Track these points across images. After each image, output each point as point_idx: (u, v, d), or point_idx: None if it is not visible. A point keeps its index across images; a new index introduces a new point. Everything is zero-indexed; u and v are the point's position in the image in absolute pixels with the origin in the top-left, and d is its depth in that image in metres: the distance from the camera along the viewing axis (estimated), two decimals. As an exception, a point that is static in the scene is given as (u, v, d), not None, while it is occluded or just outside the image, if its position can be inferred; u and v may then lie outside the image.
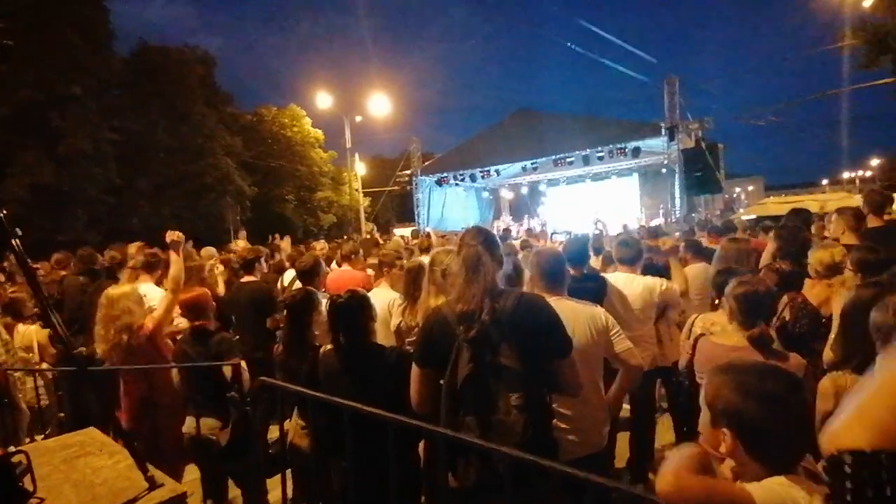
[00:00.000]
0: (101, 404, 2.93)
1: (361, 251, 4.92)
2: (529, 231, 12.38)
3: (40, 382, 3.72)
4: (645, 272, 3.36)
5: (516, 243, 7.01)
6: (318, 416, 2.10)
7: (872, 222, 3.38)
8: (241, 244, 8.17)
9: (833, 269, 2.49)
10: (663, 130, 12.94)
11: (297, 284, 3.85)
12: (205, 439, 2.59)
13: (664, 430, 3.61)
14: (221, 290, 4.60)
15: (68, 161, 18.53)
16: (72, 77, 18.73)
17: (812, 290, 2.54)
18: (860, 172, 47.22)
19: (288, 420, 2.55)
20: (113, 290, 3.02)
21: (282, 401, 2.16)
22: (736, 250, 3.25)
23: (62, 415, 3.79)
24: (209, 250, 6.34)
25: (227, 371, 2.49)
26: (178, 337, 3.03)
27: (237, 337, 4.01)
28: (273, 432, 3.38)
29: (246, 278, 4.20)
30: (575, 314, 2.00)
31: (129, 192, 21.08)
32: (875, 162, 44.57)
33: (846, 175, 50.60)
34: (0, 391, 3.29)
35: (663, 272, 3.54)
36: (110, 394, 3.05)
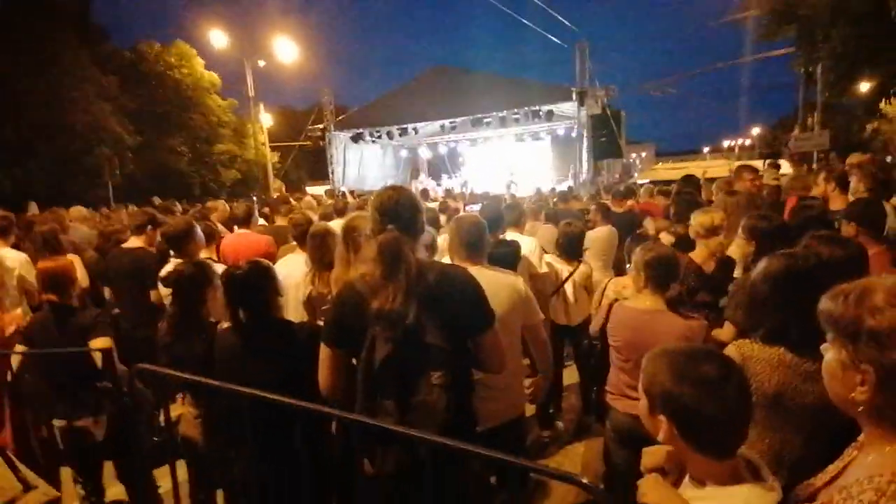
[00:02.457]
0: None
1: (256, 212, 4.47)
2: (448, 192, 12.34)
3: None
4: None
5: (434, 205, 6.92)
6: (215, 404, 1.86)
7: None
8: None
9: (712, 231, 2.75)
10: (574, 95, 13.38)
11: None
12: (78, 430, 2.24)
13: (571, 381, 3.87)
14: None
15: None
16: None
17: (695, 251, 2.78)
18: (739, 141, 52.44)
19: (176, 404, 2.27)
20: None
21: (166, 387, 1.88)
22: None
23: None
24: (79, 210, 5.41)
25: (97, 357, 2.11)
26: (27, 318, 2.53)
27: (116, 311, 3.48)
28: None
29: (130, 244, 3.62)
30: (496, 284, 1.95)
31: None
32: (756, 131, 49.21)
33: (727, 143, 56.44)
34: None
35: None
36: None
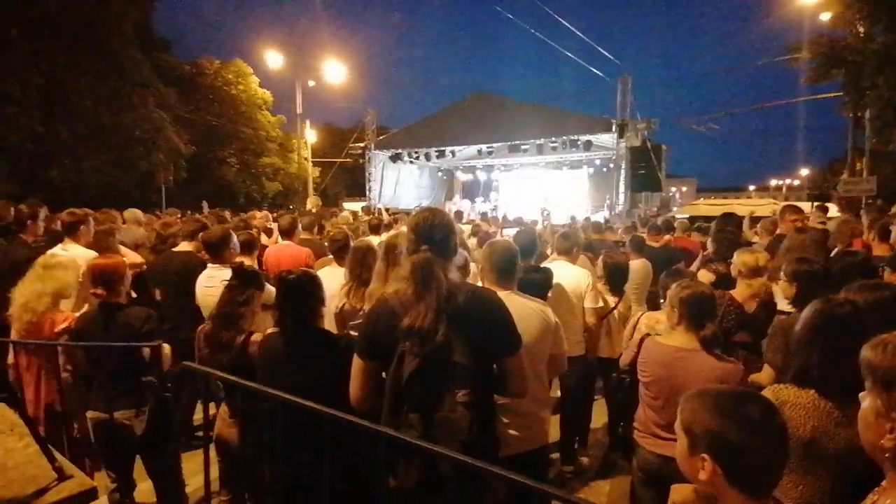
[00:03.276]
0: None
1: (301, 225, 4.64)
2: (483, 215, 12.42)
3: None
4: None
5: (467, 228, 6.99)
6: (251, 406, 1.94)
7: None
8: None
9: (755, 272, 2.69)
10: (614, 127, 13.36)
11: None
12: (117, 425, 2.33)
13: (598, 415, 3.78)
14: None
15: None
16: (8, 18, 16.46)
17: (736, 289, 2.74)
18: (788, 181, 50.68)
19: (213, 404, 2.37)
20: (48, 259, 2.68)
21: (207, 387, 1.98)
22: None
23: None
24: (134, 213, 5.77)
25: (146, 351, 2.24)
26: (81, 312, 2.69)
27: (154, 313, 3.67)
28: (199, 413, 3.15)
29: (181, 248, 3.84)
30: (525, 311, 1.97)
31: (49, 141, 18.91)
32: (804, 172, 47.54)
33: (774, 182, 54.62)
34: None
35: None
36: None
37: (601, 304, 3.24)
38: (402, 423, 1.49)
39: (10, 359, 2.76)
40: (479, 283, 2.23)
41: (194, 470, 2.44)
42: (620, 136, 13.30)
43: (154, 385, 2.24)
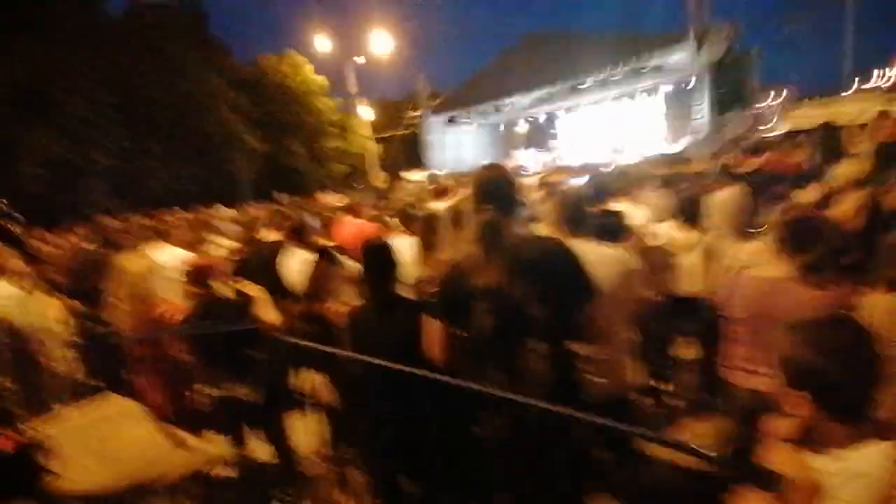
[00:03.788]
0: (119, 370, 3.02)
1: (366, 202, 4.82)
2: (548, 165, 11.97)
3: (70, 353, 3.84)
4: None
5: (532, 180, 6.78)
6: (347, 373, 2.11)
7: None
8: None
9: (858, 184, 2.43)
10: (689, 41, 11.83)
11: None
12: (233, 398, 2.57)
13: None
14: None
15: (72, 131, 18.30)
16: (61, 43, 18.19)
17: (840, 206, 2.45)
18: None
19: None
20: (130, 265, 3.00)
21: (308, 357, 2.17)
22: None
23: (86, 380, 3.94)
24: (219, 208, 6.32)
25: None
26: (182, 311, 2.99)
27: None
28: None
29: (268, 237, 4.20)
30: (601, 257, 1.90)
31: (140, 155, 20.97)
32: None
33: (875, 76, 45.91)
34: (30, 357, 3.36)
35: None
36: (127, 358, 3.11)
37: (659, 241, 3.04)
38: (484, 378, 1.54)
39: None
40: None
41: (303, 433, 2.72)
42: (697, 50, 11.79)
43: (263, 360, 2.52)
